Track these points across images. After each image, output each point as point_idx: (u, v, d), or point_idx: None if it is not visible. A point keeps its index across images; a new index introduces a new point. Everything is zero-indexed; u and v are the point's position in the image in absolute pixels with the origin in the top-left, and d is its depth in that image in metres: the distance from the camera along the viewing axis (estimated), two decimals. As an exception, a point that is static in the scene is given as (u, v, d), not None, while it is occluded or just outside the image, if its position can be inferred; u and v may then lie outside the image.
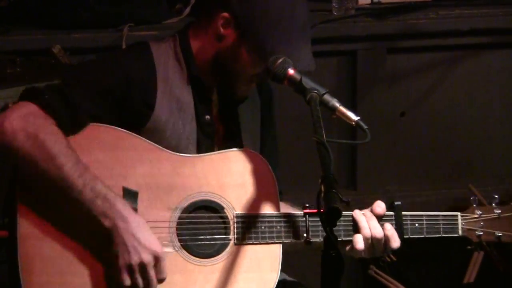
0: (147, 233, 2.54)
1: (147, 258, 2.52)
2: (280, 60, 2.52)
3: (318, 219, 2.37)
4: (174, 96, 2.69)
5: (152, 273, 2.53)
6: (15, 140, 2.51)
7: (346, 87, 4.30)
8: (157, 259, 2.54)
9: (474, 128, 4.48)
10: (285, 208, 2.74)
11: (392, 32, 4.26)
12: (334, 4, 4.26)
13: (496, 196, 2.75)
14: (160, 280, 2.55)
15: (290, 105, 3.76)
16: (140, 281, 2.53)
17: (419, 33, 4.29)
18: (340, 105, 2.47)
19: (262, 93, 2.90)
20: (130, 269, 2.52)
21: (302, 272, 3.11)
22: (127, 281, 2.53)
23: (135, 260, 2.51)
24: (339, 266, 2.19)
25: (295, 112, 3.98)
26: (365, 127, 2.45)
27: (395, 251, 2.70)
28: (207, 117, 2.74)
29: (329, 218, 2.14)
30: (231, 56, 2.65)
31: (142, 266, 2.52)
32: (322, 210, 2.17)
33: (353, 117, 2.46)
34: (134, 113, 2.66)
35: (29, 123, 2.53)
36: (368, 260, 4.09)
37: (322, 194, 2.18)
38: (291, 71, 2.51)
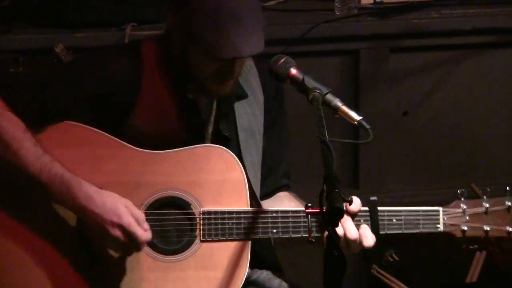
0: (113, 200, 2.54)
1: (127, 222, 2.53)
2: (282, 60, 2.52)
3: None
4: (159, 99, 2.67)
5: (136, 230, 2.54)
6: None
7: (349, 86, 4.30)
8: (136, 218, 2.54)
9: (477, 127, 4.47)
10: (289, 201, 2.73)
11: (395, 31, 4.26)
12: (336, 4, 4.27)
13: (489, 190, 2.66)
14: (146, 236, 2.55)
15: (293, 104, 3.76)
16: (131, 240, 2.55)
17: (422, 32, 4.28)
18: (342, 105, 2.47)
19: (266, 88, 2.85)
20: (117, 243, 2.54)
21: (304, 272, 3.11)
22: (118, 250, 2.56)
23: (117, 234, 2.53)
24: (342, 265, 2.19)
25: (298, 111, 3.97)
26: (368, 126, 2.44)
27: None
28: (196, 118, 2.72)
29: (332, 217, 2.14)
30: (181, 53, 2.64)
31: (128, 233, 2.53)
32: (324, 210, 2.17)
33: (356, 116, 2.46)
34: (111, 115, 2.65)
35: None
36: (370, 260, 4.09)
37: (325, 194, 2.18)
38: (293, 71, 2.51)
